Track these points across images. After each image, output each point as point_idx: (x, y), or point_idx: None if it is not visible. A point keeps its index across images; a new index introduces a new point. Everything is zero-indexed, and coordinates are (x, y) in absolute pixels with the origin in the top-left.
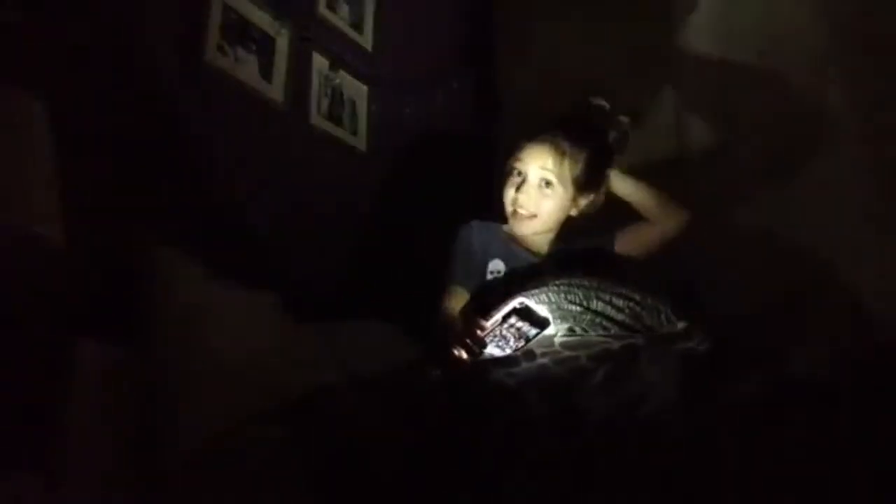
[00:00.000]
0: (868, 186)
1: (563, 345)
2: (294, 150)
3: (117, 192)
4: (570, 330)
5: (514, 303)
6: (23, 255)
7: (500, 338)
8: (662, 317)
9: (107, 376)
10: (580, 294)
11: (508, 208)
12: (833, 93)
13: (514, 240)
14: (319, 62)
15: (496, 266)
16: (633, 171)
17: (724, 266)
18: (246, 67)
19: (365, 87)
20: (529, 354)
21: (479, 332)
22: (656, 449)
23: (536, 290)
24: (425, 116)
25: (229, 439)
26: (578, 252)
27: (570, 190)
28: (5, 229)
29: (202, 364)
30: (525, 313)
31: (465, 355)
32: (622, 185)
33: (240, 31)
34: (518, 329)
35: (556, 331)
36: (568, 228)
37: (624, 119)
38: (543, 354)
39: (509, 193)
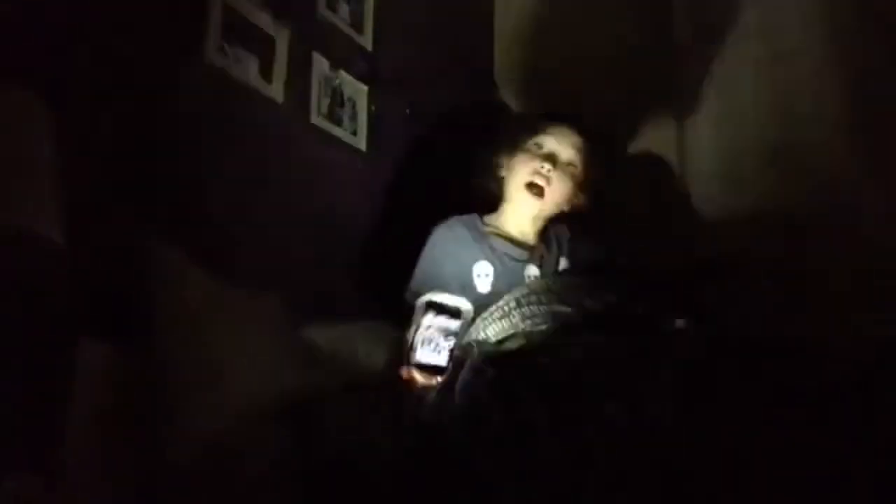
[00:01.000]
0: None
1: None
2: (294, 150)
3: (117, 192)
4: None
5: (423, 299)
6: (23, 255)
7: (427, 341)
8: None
9: (107, 376)
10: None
11: (525, 179)
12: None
13: (497, 234)
14: (319, 62)
15: (483, 269)
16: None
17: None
18: (246, 67)
19: (365, 87)
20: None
21: (407, 345)
22: (656, 449)
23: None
24: (425, 116)
25: (229, 439)
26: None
27: (580, 182)
28: (5, 229)
29: (202, 364)
30: (438, 308)
31: (406, 374)
32: None
33: (240, 31)
34: (439, 327)
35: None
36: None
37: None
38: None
39: (531, 165)
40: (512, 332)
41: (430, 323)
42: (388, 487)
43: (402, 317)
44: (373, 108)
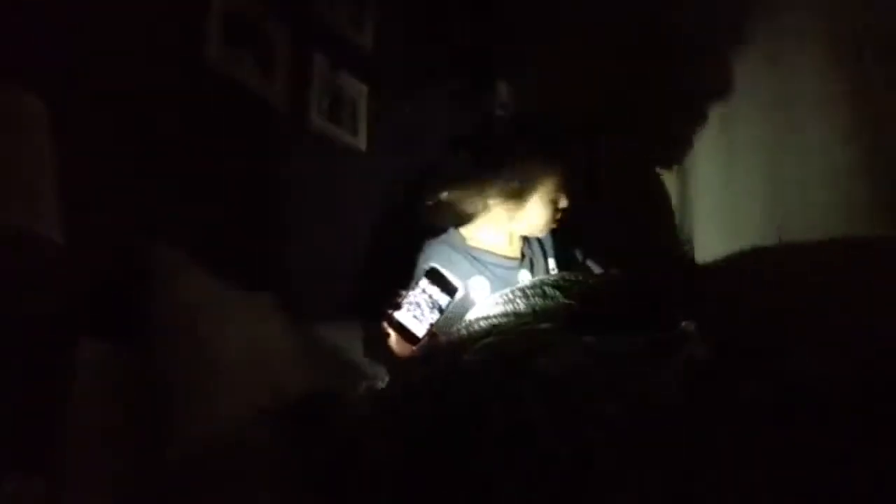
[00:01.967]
0: None
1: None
2: (294, 150)
3: (117, 192)
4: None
5: (430, 265)
6: (23, 255)
7: (415, 305)
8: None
9: (107, 376)
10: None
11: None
12: None
13: (480, 248)
14: (319, 62)
15: (479, 283)
16: None
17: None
18: (246, 67)
19: (365, 87)
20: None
21: (397, 298)
22: (656, 449)
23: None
24: (425, 116)
25: (229, 439)
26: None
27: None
28: (5, 229)
29: (202, 364)
30: (436, 277)
31: (385, 326)
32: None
33: (240, 31)
34: (430, 297)
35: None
36: None
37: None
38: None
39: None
40: (513, 318)
41: (424, 288)
42: (387, 488)
43: None
44: (373, 108)
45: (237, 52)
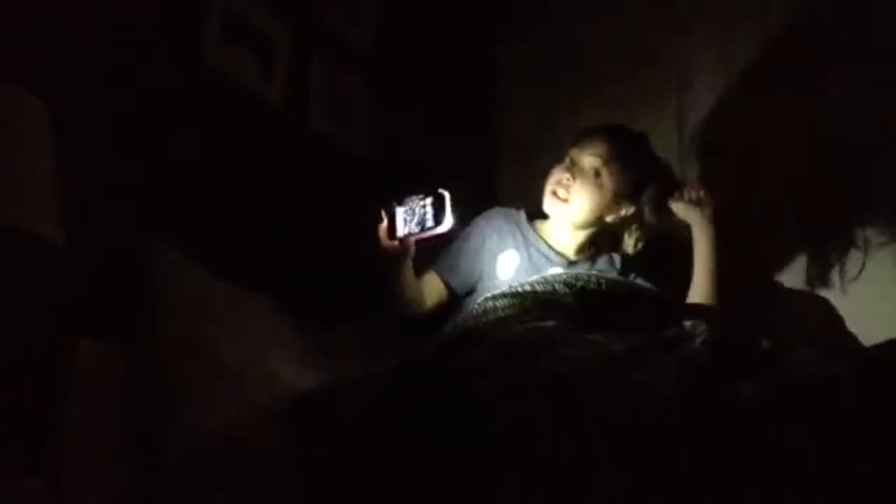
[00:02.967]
0: None
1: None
2: (294, 151)
3: (117, 192)
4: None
5: (439, 189)
6: (23, 255)
7: (411, 211)
8: None
9: (107, 376)
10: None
11: (549, 188)
12: None
13: (537, 231)
14: (319, 62)
15: (510, 256)
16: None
17: None
18: (246, 67)
19: (365, 88)
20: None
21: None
22: (656, 449)
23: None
24: (425, 116)
25: (228, 439)
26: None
27: (611, 190)
28: (5, 229)
29: (202, 364)
30: (440, 203)
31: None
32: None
33: (240, 31)
34: (423, 213)
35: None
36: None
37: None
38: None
39: (555, 174)
40: (519, 311)
41: (427, 204)
42: (386, 488)
43: (402, 317)
44: (373, 108)
45: (237, 52)
